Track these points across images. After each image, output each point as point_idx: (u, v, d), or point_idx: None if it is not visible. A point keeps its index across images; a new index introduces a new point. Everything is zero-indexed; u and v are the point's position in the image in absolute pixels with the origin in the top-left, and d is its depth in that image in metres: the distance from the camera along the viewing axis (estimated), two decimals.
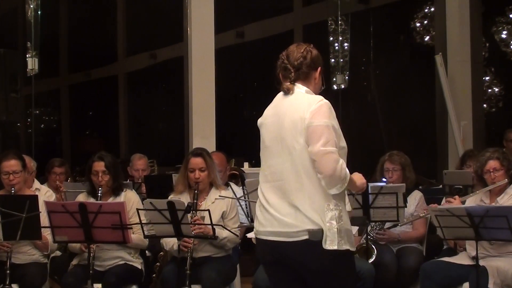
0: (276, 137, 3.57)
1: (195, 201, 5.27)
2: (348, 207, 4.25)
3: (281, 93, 3.64)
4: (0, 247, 5.27)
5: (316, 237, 3.42)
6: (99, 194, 5.41)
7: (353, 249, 3.54)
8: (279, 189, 3.53)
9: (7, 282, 5.19)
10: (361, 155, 9.69)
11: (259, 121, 3.70)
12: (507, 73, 11.15)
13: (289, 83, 3.58)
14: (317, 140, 3.39)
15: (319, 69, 3.64)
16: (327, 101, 3.51)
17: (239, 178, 7.16)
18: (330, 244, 3.41)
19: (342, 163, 3.41)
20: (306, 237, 3.43)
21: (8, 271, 5.21)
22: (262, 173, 3.64)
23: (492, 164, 5.34)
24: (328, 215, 3.43)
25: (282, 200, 3.52)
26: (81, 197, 5.56)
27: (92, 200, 5.41)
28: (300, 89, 3.58)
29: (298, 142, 3.47)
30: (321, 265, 3.46)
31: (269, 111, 3.66)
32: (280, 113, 3.57)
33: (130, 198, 5.53)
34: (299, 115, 3.47)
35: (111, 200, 5.46)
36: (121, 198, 5.46)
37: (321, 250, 3.42)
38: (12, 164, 5.49)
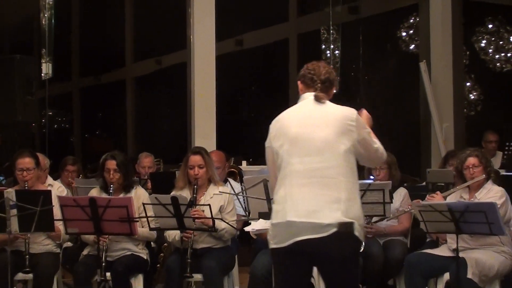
0: (311, 136, 3.62)
1: (194, 195, 5.30)
2: None
3: (308, 100, 3.72)
4: (18, 237, 5.29)
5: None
6: (111, 191, 5.43)
7: None
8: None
9: (27, 267, 5.23)
10: None
11: (279, 123, 3.71)
12: (486, 80, 11.17)
13: (318, 93, 3.73)
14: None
15: (334, 87, 3.87)
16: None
17: (237, 175, 7.17)
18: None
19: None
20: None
21: (27, 256, 5.25)
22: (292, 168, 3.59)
23: (472, 160, 5.37)
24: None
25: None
26: (94, 192, 5.59)
27: (104, 195, 5.43)
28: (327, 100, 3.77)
29: (343, 143, 3.61)
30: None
31: (292, 113, 3.73)
32: (316, 116, 3.67)
33: (140, 195, 5.54)
34: (343, 119, 3.65)
35: (121, 196, 5.47)
36: (131, 195, 5.46)
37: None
38: (26, 161, 5.52)
